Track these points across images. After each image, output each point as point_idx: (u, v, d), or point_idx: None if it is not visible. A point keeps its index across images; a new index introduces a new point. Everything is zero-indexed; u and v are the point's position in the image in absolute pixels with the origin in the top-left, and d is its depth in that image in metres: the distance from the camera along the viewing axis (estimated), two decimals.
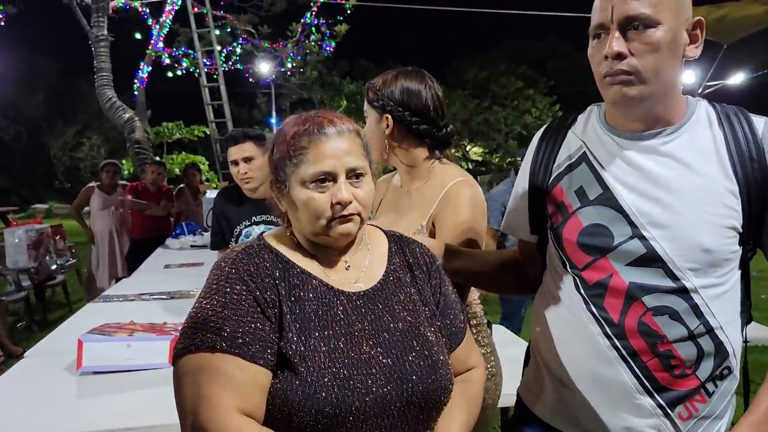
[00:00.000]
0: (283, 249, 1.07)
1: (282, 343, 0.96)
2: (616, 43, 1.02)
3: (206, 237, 5.09)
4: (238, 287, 0.97)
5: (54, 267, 5.78)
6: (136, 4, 10.72)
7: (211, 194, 6.52)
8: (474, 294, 1.66)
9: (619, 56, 1.02)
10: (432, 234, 1.49)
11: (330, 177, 1.01)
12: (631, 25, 1.01)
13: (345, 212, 1.02)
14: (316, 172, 1.00)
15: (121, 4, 10.41)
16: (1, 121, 24.42)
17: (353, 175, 1.03)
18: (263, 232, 1.14)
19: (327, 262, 1.08)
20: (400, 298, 1.09)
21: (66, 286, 6.14)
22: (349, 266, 1.10)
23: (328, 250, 1.09)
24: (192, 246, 5.30)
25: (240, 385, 0.91)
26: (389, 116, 1.52)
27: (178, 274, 4.05)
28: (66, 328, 2.63)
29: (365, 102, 1.58)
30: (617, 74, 1.03)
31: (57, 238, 6.00)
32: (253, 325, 0.94)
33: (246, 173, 2.45)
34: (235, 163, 2.46)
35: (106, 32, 9.85)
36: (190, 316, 0.97)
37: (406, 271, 1.14)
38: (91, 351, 1.94)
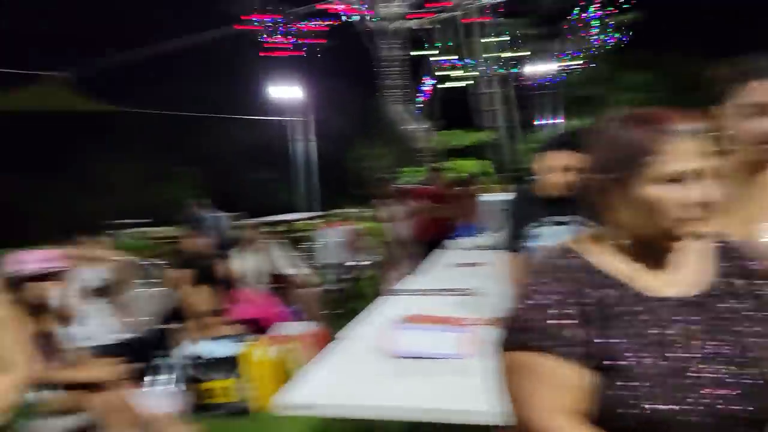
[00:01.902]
0: (594, 254, 1.05)
1: (605, 348, 0.95)
2: None
3: (487, 238, 5.25)
4: (557, 290, 0.98)
5: (362, 263, 6.79)
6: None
7: (488, 197, 6.80)
8: None
9: None
10: None
11: (684, 176, 0.97)
12: None
13: (700, 213, 0.97)
14: (677, 171, 0.96)
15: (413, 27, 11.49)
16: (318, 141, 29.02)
17: (702, 176, 0.98)
18: (566, 235, 1.14)
19: (645, 267, 1.03)
20: (734, 308, 0.99)
21: (373, 279, 7.01)
22: (671, 271, 1.03)
23: (649, 254, 1.03)
24: (474, 247, 5.52)
25: (563, 386, 0.93)
26: None
27: (462, 273, 4.23)
28: (368, 316, 3.01)
29: None
30: None
31: (362, 238, 7.02)
32: (575, 327, 0.95)
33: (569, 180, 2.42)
34: (566, 169, 2.40)
35: (399, 53, 11.00)
36: (515, 315, 1.02)
37: (739, 280, 1.03)
38: (405, 338, 2.25)
